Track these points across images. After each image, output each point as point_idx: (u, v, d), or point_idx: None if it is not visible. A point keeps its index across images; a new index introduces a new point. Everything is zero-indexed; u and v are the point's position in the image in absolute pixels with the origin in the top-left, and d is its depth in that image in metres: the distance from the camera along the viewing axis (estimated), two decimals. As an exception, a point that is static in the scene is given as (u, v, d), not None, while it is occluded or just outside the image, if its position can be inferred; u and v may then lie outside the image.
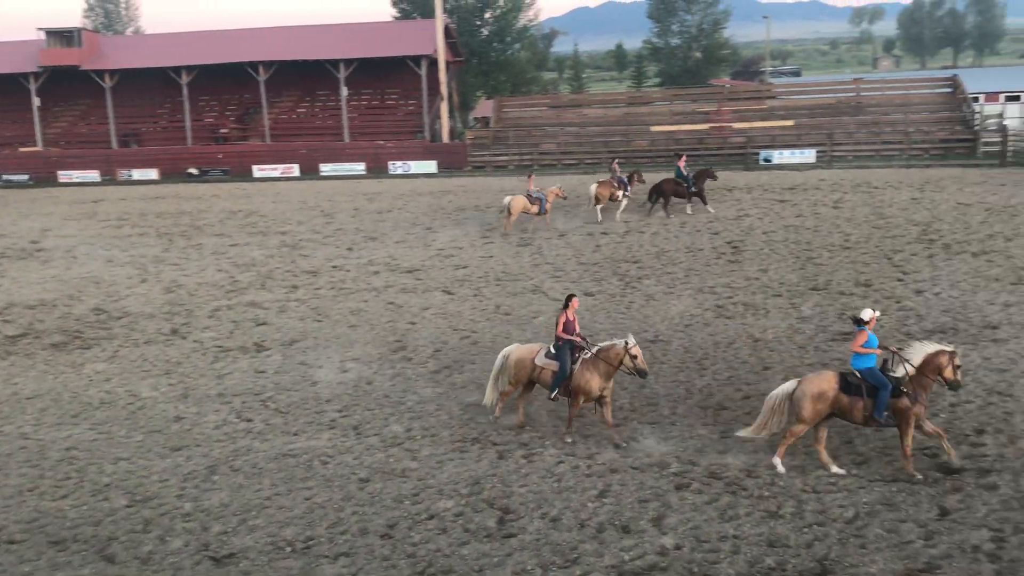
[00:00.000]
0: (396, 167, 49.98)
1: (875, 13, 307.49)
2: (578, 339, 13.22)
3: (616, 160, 34.69)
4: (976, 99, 53.06)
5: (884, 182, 32.17)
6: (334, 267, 26.04)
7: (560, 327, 13.23)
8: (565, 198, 30.54)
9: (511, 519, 10.91)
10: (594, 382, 12.89)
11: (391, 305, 21.47)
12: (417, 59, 54.38)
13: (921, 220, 27.79)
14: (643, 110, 55.57)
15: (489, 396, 13.85)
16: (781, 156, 45.48)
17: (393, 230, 31.51)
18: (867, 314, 11.76)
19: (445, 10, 60.79)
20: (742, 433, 12.29)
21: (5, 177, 52.95)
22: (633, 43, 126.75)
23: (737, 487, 11.35)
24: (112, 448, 13.70)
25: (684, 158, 31.90)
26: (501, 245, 27.88)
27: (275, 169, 51.13)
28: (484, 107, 71.91)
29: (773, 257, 24.24)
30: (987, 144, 44.80)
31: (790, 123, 49.94)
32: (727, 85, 71.50)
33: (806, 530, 10.26)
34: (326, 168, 50.72)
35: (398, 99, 60.04)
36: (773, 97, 55.96)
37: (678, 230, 28.58)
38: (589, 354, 13.02)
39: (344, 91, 55.18)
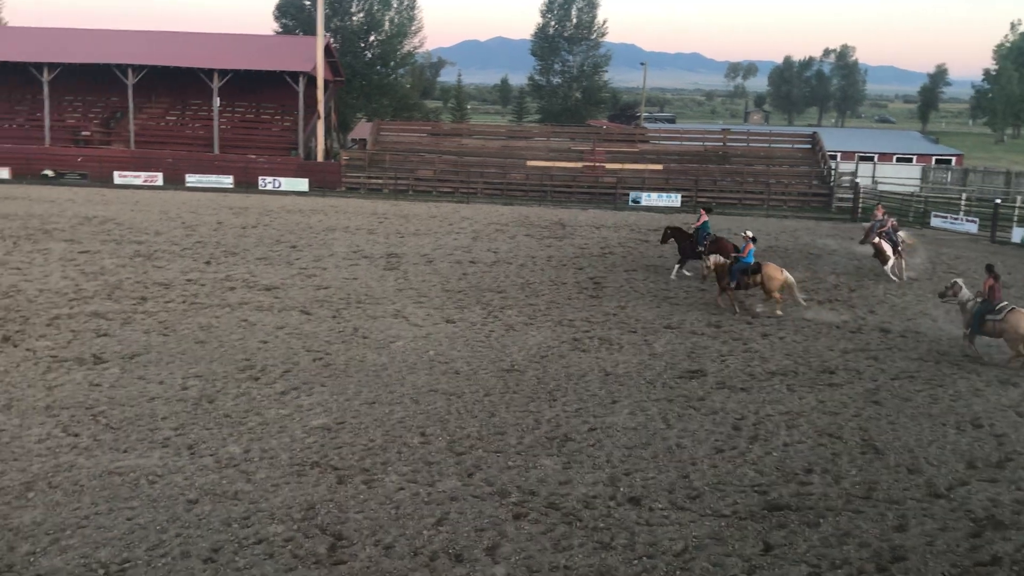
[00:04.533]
0: (266, 183, 48.81)
1: (749, 69, 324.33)
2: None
3: (880, 206, 30.62)
4: (834, 157, 56.24)
5: (742, 230, 33.41)
6: (188, 280, 25.06)
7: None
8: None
9: (343, 546, 10.61)
10: None
11: (244, 322, 20.77)
12: (295, 75, 53.46)
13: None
14: (521, 144, 56.32)
15: None
16: (649, 198, 46.90)
17: (256, 246, 30.64)
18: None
19: (329, 29, 60.21)
20: None
21: None
22: (519, 78, 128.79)
23: (574, 518, 11.41)
24: (-84, 460, 12.64)
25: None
26: (367, 267, 27.52)
27: (138, 176, 49.09)
28: (363, 129, 71.34)
29: (632, 294, 24.81)
30: (840, 200, 47.48)
31: (659, 167, 51.59)
32: (603, 126, 73.31)
33: (636, 562, 10.39)
34: (192, 179, 49.07)
35: (274, 114, 58.82)
36: (645, 141, 57.65)
37: (544, 264, 28.94)
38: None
39: (217, 102, 53.67)
